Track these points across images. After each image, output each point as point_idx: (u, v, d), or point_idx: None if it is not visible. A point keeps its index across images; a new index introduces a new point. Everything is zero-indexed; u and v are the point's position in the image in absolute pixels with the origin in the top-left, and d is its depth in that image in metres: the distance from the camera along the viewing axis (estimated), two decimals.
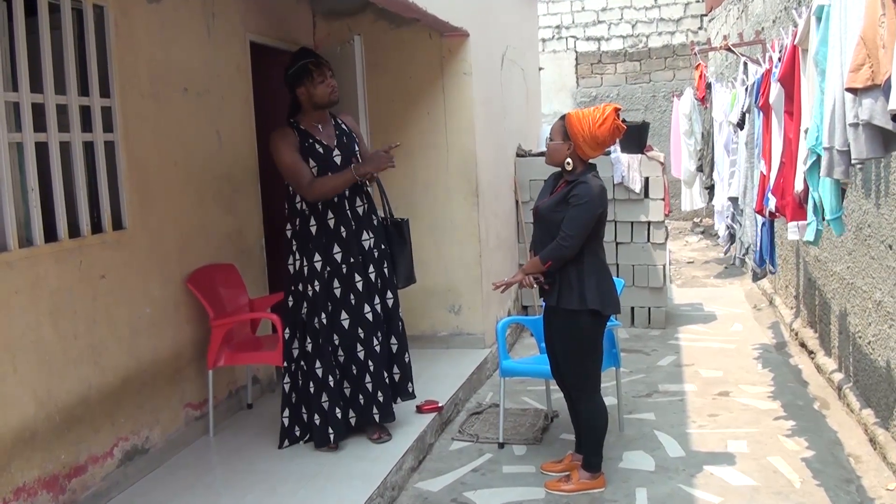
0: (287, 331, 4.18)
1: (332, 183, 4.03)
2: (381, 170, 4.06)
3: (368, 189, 4.26)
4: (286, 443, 4.19)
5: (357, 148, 4.21)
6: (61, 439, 3.41)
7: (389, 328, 4.29)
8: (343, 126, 4.25)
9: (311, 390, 4.11)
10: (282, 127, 4.13)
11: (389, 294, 4.28)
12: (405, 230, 4.39)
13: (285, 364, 4.18)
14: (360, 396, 4.15)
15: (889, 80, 2.38)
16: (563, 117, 3.80)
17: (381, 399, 4.14)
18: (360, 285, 4.11)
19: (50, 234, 3.43)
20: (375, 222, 4.26)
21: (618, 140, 4.47)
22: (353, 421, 4.17)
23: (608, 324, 3.94)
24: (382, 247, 4.26)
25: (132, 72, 3.91)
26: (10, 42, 3.25)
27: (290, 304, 4.17)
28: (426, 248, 5.82)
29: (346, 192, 4.10)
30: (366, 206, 4.21)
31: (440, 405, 4.72)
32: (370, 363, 4.12)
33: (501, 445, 4.46)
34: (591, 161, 3.81)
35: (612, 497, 3.82)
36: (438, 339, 6.03)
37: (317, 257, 4.08)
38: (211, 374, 4.35)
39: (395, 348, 4.32)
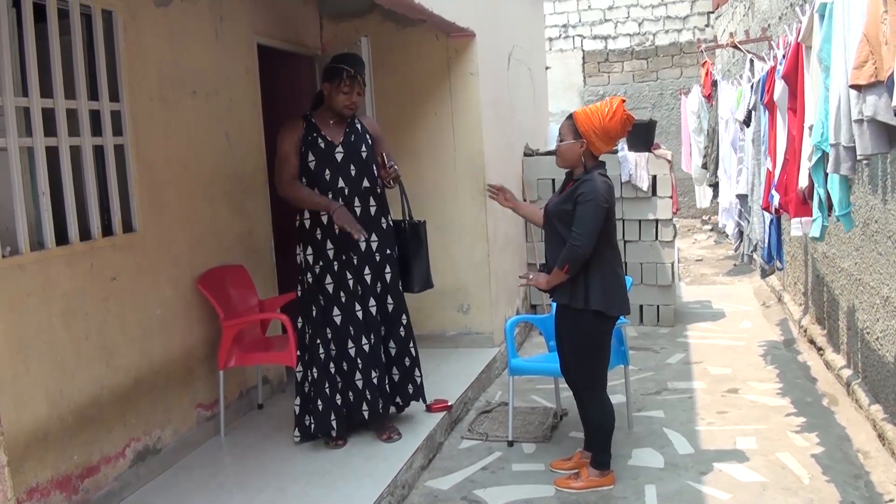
0: (300, 320, 4.22)
1: (305, 195, 4.05)
2: (346, 231, 3.98)
3: (383, 191, 4.26)
4: (297, 432, 4.22)
5: (365, 149, 4.18)
6: (74, 439, 3.44)
7: (389, 332, 4.30)
8: (358, 126, 4.23)
9: (315, 376, 4.14)
10: (295, 118, 4.20)
11: (390, 299, 4.27)
12: (422, 232, 4.37)
13: (299, 353, 4.21)
14: (350, 393, 4.17)
15: (892, 76, 2.39)
16: (570, 116, 3.81)
17: (369, 398, 4.15)
18: (351, 284, 4.13)
19: (61, 238, 3.47)
20: (385, 225, 4.25)
21: (625, 138, 4.49)
22: (344, 412, 4.18)
23: (617, 321, 3.94)
24: (387, 251, 4.25)
25: (141, 75, 3.95)
26: (20, 47, 3.28)
27: (299, 293, 4.23)
28: (435, 248, 5.77)
29: (349, 191, 4.12)
30: (374, 207, 4.20)
31: (449, 404, 4.74)
32: (360, 362, 4.14)
33: (511, 443, 4.48)
34: (600, 159, 3.82)
35: (622, 494, 3.83)
36: (447, 338, 6.06)
37: (310, 250, 4.13)
38: (221, 374, 4.38)
39: (393, 352, 4.33)
